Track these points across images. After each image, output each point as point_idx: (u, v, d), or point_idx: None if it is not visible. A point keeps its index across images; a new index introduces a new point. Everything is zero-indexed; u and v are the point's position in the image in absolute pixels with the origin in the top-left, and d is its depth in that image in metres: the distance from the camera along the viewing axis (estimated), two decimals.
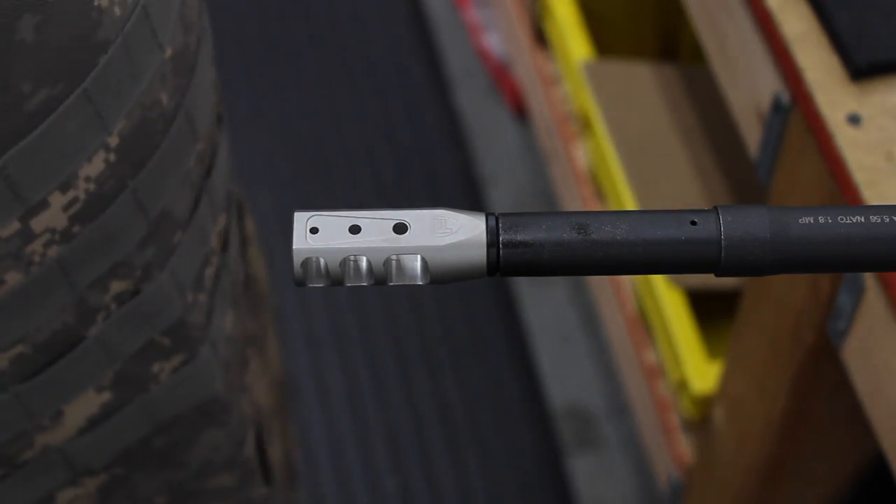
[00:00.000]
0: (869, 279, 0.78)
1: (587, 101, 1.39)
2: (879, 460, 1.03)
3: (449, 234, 0.42)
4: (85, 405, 0.60)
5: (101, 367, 0.59)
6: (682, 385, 1.21)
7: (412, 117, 1.86)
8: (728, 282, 1.21)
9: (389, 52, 1.94)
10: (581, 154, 1.47)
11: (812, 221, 0.41)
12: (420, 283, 0.42)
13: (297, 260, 0.41)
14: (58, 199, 0.51)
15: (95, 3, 0.48)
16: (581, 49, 1.42)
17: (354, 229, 0.42)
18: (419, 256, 0.41)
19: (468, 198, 1.74)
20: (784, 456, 1.04)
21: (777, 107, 0.86)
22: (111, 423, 0.62)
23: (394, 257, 0.41)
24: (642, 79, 1.41)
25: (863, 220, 0.41)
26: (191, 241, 0.60)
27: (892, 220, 0.41)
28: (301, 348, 1.62)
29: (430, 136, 1.84)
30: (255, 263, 0.75)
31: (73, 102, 0.49)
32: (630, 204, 1.30)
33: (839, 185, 0.78)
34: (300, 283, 0.42)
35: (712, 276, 0.43)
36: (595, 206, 1.42)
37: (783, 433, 1.00)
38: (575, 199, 1.49)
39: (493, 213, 0.42)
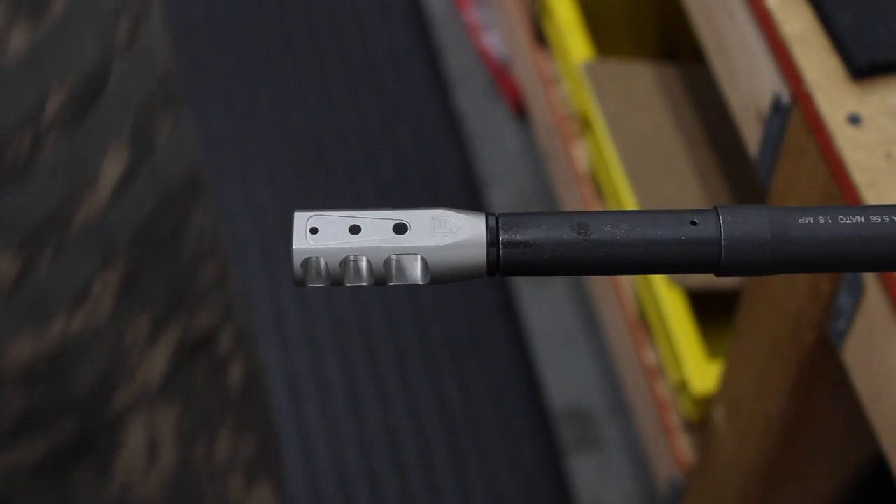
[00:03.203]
0: (869, 279, 0.78)
1: (587, 101, 1.39)
2: (879, 460, 1.03)
3: (449, 234, 0.42)
4: (113, 166, 0.64)
5: (122, 116, 0.64)
6: (682, 385, 1.21)
7: (412, 117, 1.86)
8: (728, 282, 1.21)
9: (389, 52, 1.94)
10: (581, 154, 1.48)
11: (812, 221, 0.41)
12: (420, 283, 0.42)
13: (297, 260, 0.41)
14: None
15: None
16: (581, 49, 1.42)
17: (354, 229, 0.42)
18: (419, 256, 0.41)
19: (468, 198, 1.74)
20: (784, 456, 1.04)
21: (777, 107, 0.86)
22: (130, 192, 0.66)
23: (394, 257, 0.41)
24: (642, 79, 1.41)
25: (863, 220, 0.41)
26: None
27: (892, 220, 0.41)
28: (301, 348, 1.62)
29: (430, 136, 1.84)
30: None
31: None
32: (630, 204, 1.30)
33: (839, 185, 0.78)
34: (300, 283, 0.42)
35: (712, 276, 0.42)
36: (595, 206, 1.42)
37: (783, 433, 1.00)
38: (575, 199, 1.49)
39: (493, 213, 0.42)
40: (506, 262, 0.42)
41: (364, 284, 0.41)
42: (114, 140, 0.64)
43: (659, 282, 1.25)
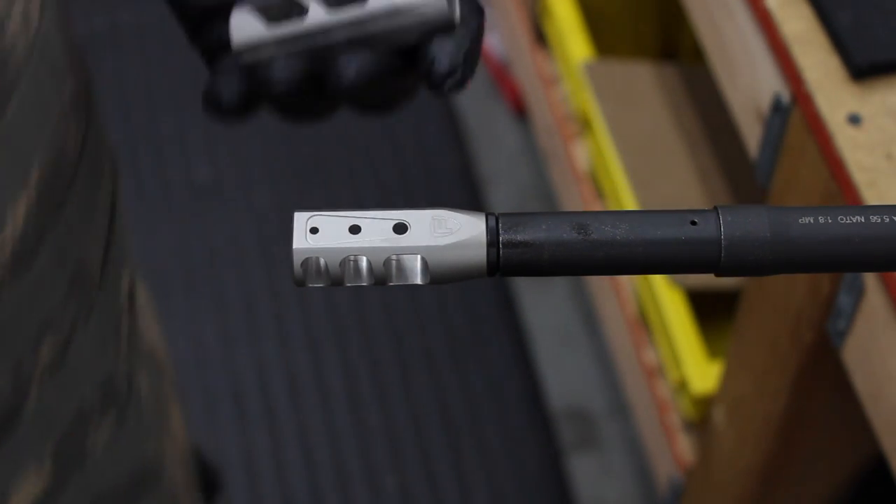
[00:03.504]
0: (869, 279, 0.78)
1: (587, 101, 1.39)
2: (879, 460, 1.03)
3: (449, 234, 0.42)
4: (28, 488, 0.58)
5: (41, 438, 0.58)
6: (682, 385, 1.21)
7: (412, 117, 1.86)
8: (728, 282, 1.21)
9: None
10: (581, 154, 1.47)
11: (812, 221, 0.41)
12: (420, 283, 0.42)
13: (297, 260, 0.41)
14: None
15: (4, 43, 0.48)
16: (581, 49, 1.42)
17: (354, 229, 0.42)
18: (419, 256, 0.41)
19: (468, 198, 1.74)
20: (784, 456, 1.04)
21: (777, 107, 0.86)
22: None
23: (394, 257, 0.41)
24: (642, 79, 1.41)
25: (863, 220, 0.41)
26: (105, 296, 0.60)
27: (892, 220, 0.41)
28: (301, 348, 1.62)
29: (430, 136, 1.83)
30: (152, 330, 0.73)
31: None
32: (630, 204, 1.30)
33: (839, 185, 0.78)
34: (300, 283, 0.42)
35: (712, 276, 0.43)
36: (595, 206, 1.42)
37: (783, 433, 1.00)
38: (575, 199, 1.49)
39: (493, 213, 0.42)
40: (506, 262, 0.42)
41: (364, 284, 0.41)
42: (28, 465, 0.57)
43: (659, 282, 1.25)
